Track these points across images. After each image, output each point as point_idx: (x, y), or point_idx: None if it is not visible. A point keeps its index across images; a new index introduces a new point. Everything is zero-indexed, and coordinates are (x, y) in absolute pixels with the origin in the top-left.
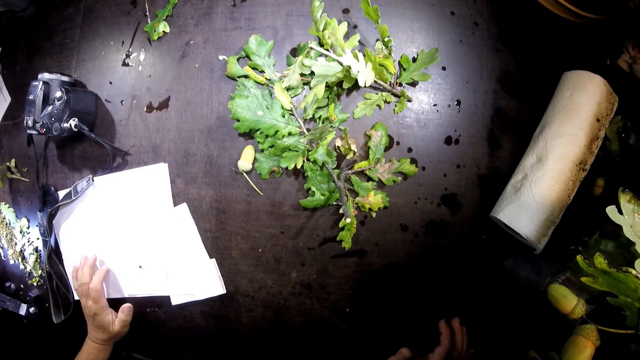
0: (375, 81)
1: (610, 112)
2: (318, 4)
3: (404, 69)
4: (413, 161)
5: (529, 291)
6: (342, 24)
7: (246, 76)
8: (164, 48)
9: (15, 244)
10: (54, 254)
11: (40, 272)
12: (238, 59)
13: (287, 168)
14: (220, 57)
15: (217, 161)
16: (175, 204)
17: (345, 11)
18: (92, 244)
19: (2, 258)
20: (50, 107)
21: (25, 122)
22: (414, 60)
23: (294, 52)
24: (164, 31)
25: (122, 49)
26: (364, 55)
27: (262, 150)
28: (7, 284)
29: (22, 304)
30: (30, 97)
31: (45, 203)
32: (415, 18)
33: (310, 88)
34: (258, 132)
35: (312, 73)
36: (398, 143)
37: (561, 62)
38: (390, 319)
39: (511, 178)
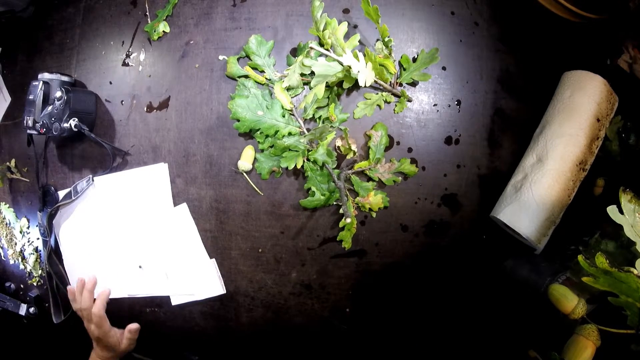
0: (375, 81)
1: (611, 112)
2: (318, 3)
3: (404, 69)
4: (413, 161)
5: (529, 291)
6: (342, 24)
7: (246, 76)
8: (164, 48)
9: (15, 244)
10: (54, 254)
11: (40, 272)
12: (238, 59)
13: (287, 168)
14: (220, 57)
15: (217, 161)
16: (175, 204)
17: (346, 11)
18: (92, 244)
19: (2, 258)
20: (50, 107)
21: (25, 122)
22: (414, 60)
23: (294, 52)
24: (164, 31)
25: (122, 49)
26: (364, 55)
27: (262, 150)
28: (7, 284)
29: (22, 304)
30: (30, 97)
31: (45, 203)
32: (415, 18)
33: (311, 88)
34: (258, 132)
35: (312, 73)
36: (398, 143)
37: (561, 62)
38: (390, 319)
39: (511, 178)
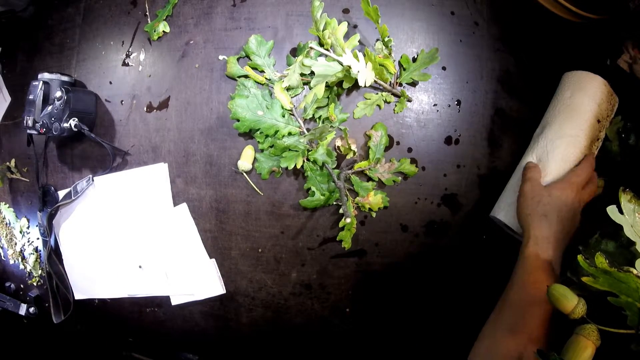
0: (375, 81)
1: (611, 112)
2: (318, 3)
3: (404, 69)
4: (413, 161)
5: None
6: (342, 24)
7: (246, 76)
8: (164, 48)
9: (15, 244)
10: (54, 254)
11: (40, 272)
12: (238, 59)
13: (287, 168)
14: (220, 57)
15: (217, 161)
16: (175, 204)
17: (345, 11)
18: (92, 244)
19: (2, 258)
20: (50, 107)
21: (25, 122)
22: (414, 60)
23: (294, 52)
24: (164, 31)
25: (122, 49)
26: (364, 55)
27: (262, 150)
28: (7, 284)
29: (22, 304)
30: (30, 97)
31: (45, 203)
32: (415, 18)
33: (310, 88)
34: (258, 132)
35: (312, 73)
36: (398, 143)
37: (561, 62)
38: (390, 319)
39: (511, 178)
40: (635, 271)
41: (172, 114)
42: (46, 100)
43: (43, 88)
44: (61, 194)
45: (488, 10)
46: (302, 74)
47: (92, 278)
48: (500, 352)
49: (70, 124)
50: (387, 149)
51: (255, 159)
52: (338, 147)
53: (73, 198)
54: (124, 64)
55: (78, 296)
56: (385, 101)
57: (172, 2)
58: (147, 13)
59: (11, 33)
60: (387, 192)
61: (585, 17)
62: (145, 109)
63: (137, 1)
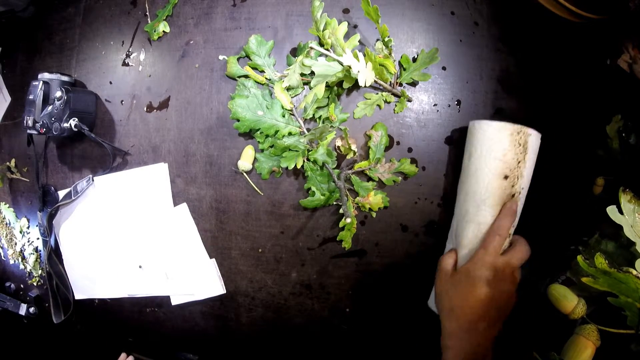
0: (375, 81)
1: (522, 153)
2: (318, 3)
3: (404, 69)
4: (413, 161)
5: (529, 291)
6: (342, 24)
7: (246, 76)
8: (164, 48)
9: (15, 244)
10: (54, 254)
11: (40, 272)
12: (238, 59)
13: (287, 168)
14: (220, 57)
15: (217, 161)
16: (175, 204)
17: (346, 11)
18: (92, 244)
19: (2, 258)
20: (50, 107)
21: (25, 122)
22: (414, 60)
23: (294, 52)
24: (164, 31)
25: (122, 49)
26: (364, 55)
27: (262, 150)
28: (7, 284)
29: (22, 304)
30: (30, 97)
31: (45, 203)
32: (415, 18)
33: (311, 88)
34: (258, 132)
35: (312, 73)
36: (398, 143)
37: (561, 62)
38: (390, 319)
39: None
40: (634, 272)
41: (172, 114)
42: (46, 100)
43: (43, 88)
44: (61, 194)
45: (488, 10)
46: (302, 74)
47: (92, 278)
48: None
49: (70, 124)
50: (387, 149)
51: (255, 159)
52: (338, 147)
53: (73, 198)
54: (124, 64)
55: (78, 296)
56: (386, 101)
57: (172, 2)
58: (147, 13)
59: (11, 33)
60: (387, 192)
61: (585, 17)
62: (145, 109)
63: (137, 1)
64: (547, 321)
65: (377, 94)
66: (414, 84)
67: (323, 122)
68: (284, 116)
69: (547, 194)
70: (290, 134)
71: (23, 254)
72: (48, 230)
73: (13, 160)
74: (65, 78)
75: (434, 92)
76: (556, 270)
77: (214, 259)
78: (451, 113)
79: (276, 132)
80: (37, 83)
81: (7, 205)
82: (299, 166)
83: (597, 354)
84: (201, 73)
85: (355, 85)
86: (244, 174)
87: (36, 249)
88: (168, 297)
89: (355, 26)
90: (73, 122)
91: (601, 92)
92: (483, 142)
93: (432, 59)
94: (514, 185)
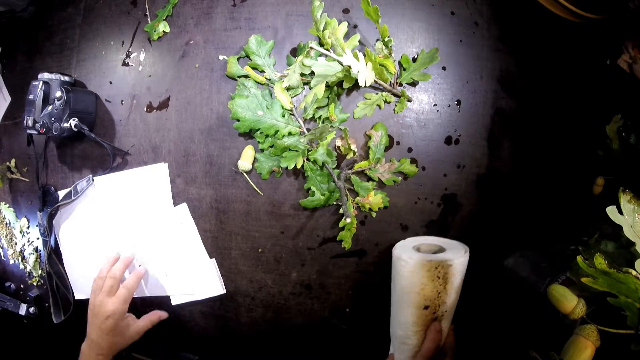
0: (375, 81)
1: (442, 284)
2: (318, 3)
3: (404, 69)
4: (413, 161)
5: (529, 291)
6: (342, 24)
7: (246, 76)
8: (164, 48)
9: (15, 244)
10: (54, 254)
11: (40, 272)
12: (238, 59)
13: (287, 168)
14: (220, 57)
15: (217, 161)
16: (175, 204)
17: (346, 11)
18: (92, 244)
19: (2, 258)
20: (50, 107)
21: (25, 122)
22: (414, 60)
23: (294, 52)
24: (164, 31)
25: (122, 49)
26: (364, 55)
27: (262, 150)
28: (7, 284)
29: (22, 304)
30: (30, 97)
31: (45, 203)
32: (415, 18)
33: (310, 88)
34: (258, 132)
35: (312, 73)
36: (398, 143)
37: (561, 62)
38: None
39: None
40: (634, 272)
41: (172, 114)
42: (46, 100)
43: (43, 88)
44: (61, 194)
45: (488, 10)
46: (302, 74)
47: (92, 278)
48: None
49: (70, 124)
50: (387, 149)
51: (255, 159)
52: (338, 147)
53: (73, 198)
54: (124, 64)
55: (78, 296)
56: (386, 101)
57: (172, 2)
58: (147, 13)
59: (11, 33)
60: (387, 192)
61: (585, 17)
62: (145, 108)
63: (137, 1)
64: (547, 321)
65: (377, 94)
66: (414, 84)
67: (323, 122)
68: (284, 116)
69: (547, 194)
70: (290, 134)
71: (23, 254)
72: (48, 230)
73: (13, 160)
74: (65, 78)
75: (434, 92)
76: (556, 270)
77: (214, 259)
78: (451, 113)
79: (276, 132)
80: (37, 83)
81: (7, 205)
82: (299, 166)
83: (597, 354)
84: (201, 73)
85: (355, 85)
86: (244, 174)
87: (36, 249)
88: (168, 297)
89: (355, 26)
90: (73, 122)
91: (601, 92)
92: (403, 275)
93: (432, 59)
94: (435, 312)
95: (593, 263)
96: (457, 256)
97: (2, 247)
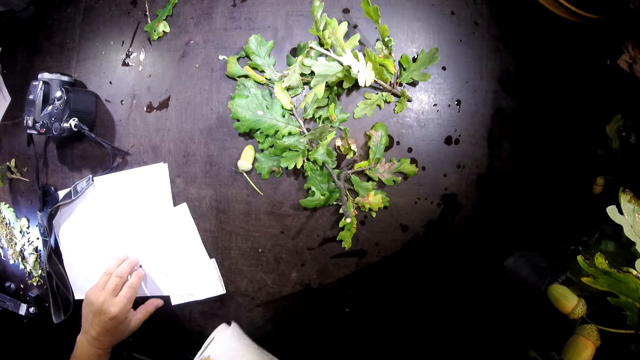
0: (375, 81)
1: None
2: (318, 3)
3: (404, 69)
4: (413, 161)
5: (529, 291)
6: (342, 24)
7: (246, 76)
8: (164, 48)
9: (15, 244)
10: (54, 254)
11: (40, 272)
12: (238, 59)
13: (287, 168)
14: (220, 57)
15: (217, 161)
16: (175, 204)
17: (346, 11)
18: (92, 244)
19: (2, 258)
20: (50, 107)
21: (25, 122)
22: (414, 60)
23: (294, 52)
24: (164, 31)
25: (122, 49)
26: (364, 55)
27: (262, 150)
28: (7, 284)
29: (22, 304)
30: (30, 97)
31: (45, 203)
32: (415, 18)
33: (310, 88)
34: (258, 132)
35: (312, 73)
36: (398, 143)
37: (561, 62)
38: (390, 319)
39: None
40: (634, 272)
41: (172, 114)
42: (46, 100)
43: (43, 88)
44: (61, 194)
45: (488, 10)
46: (302, 74)
47: (92, 278)
48: None
49: (70, 124)
50: (387, 149)
51: (255, 159)
52: (338, 147)
53: (73, 198)
54: (124, 63)
55: (78, 296)
56: (385, 101)
57: (172, 2)
58: (147, 13)
59: (11, 33)
60: (387, 192)
61: (585, 17)
62: (145, 108)
63: (137, 1)
64: (547, 321)
65: (377, 94)
66: (414, 84)
67: (323, 122)
68: (284, 116)
69: (547, 194)
70: (290, 134)
71: (23, 254)
72: (48, 230)
73: (13, 160)
74: (65, 78)
75: (434, 92)
76: (556, 270)
77: (214, 259)
78: (451, 113)
79: (276, 132)
80: (37, 83)
81: (7, 205)
82: (299, 166)
83: (597, 354)
84: (201, 73)
85: (355, 85)
86: (244, 174)
87: (36, 249)
88: (168, 297)
89: (355, 26)
90: (73, 122)
91: (601, 92)
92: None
93: (432, 59)
94: None
95: (593, 263)
96: (216, 346)
97: (2, 247)
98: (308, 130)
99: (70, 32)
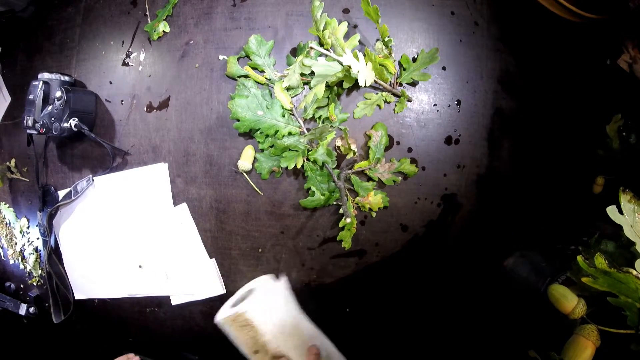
0: (375, 81)
1: (251, 330)
2: (318, 3)
3: (404, 69)
4: (413, 161)
5: (529, 291)
6: (342, 24)
7: (246, 76)
8: (164, 48)
9: (15, 244)
10: (54, 254)
11: (40, 272)
12: (238, 59)
13: (287, 168)
14: (220, 57)
15: (217, 161)
16: (175, 204)
17: (346, 11)
18: (92, 244)
19: (2, 258)
20: (50, 107)
21: (25, 122)
22: (414, 60)
23: (294, 52)
24: (164, 31)
25: (122, 49)
26: (364, 55)
27: (262, 150)
28: (7, 284)
29: (22, 304)
30: (30, 97)
31: (45, 203)
32: (415, 18)
33: (310, 88)
34: (258, 132)
35: (312, 73)
36: (398, 143)
37: (561, 62)
38: (390, 319)
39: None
40: (634, 272)
41: (172, 114)
42: (46, 100)
43: (43, 88)
44: (61, 194)
45: (488, 10)
46: (302, 74)
47: (92, 278)
48: None
49: (70, 124)
50: (387, 149)
51: (255, 159)
52: (338, 147)
53: (73, 198)
54: (124, 63)
55: (78, 296)
56: (385, 101)
57: (172, 2)
58: (147, 13)
59: (11, 33)
60: (387, 192)
61: (585, 17)
62: (145, 108)
63: (137, 1)
64: (547, 321)
65: (377, 94)
66: (414, 84)
67: (323, 122)
68: (284, 116)
69: (547, 194)
70: (290, 134)
71: (23, 254)
72: (48, 230)
73: (13, 160)
74: (65, 78)
75: (434, 92)
76: (556, 270)
77: (213, 259)
78: (451, 113)
79: (276, 132)
80: (37, 83)
81: (7, 205)
82: (299, 166)
83: (597, 354)
84: (201, 73)
85: (355, 85)
86: (244, 174)
87: (36, 249)
88: (168, 297)
89: (355, 26)
90: (73, 122)
91: (601, 92)
92: (226, 334)
93: (432, 59)
94: (267, 352)
95: (593, 263)
96: (253, 301)
97: (2, 247)
98: (308, 130)
99: (70, 32)
